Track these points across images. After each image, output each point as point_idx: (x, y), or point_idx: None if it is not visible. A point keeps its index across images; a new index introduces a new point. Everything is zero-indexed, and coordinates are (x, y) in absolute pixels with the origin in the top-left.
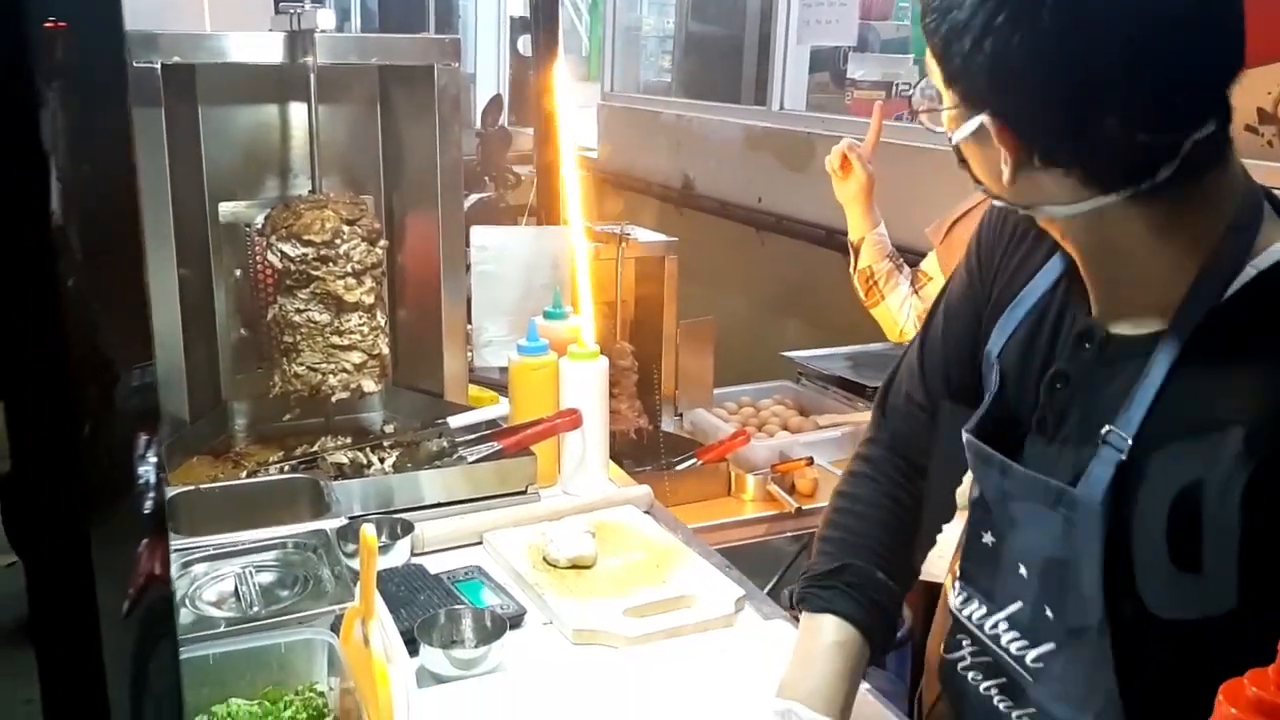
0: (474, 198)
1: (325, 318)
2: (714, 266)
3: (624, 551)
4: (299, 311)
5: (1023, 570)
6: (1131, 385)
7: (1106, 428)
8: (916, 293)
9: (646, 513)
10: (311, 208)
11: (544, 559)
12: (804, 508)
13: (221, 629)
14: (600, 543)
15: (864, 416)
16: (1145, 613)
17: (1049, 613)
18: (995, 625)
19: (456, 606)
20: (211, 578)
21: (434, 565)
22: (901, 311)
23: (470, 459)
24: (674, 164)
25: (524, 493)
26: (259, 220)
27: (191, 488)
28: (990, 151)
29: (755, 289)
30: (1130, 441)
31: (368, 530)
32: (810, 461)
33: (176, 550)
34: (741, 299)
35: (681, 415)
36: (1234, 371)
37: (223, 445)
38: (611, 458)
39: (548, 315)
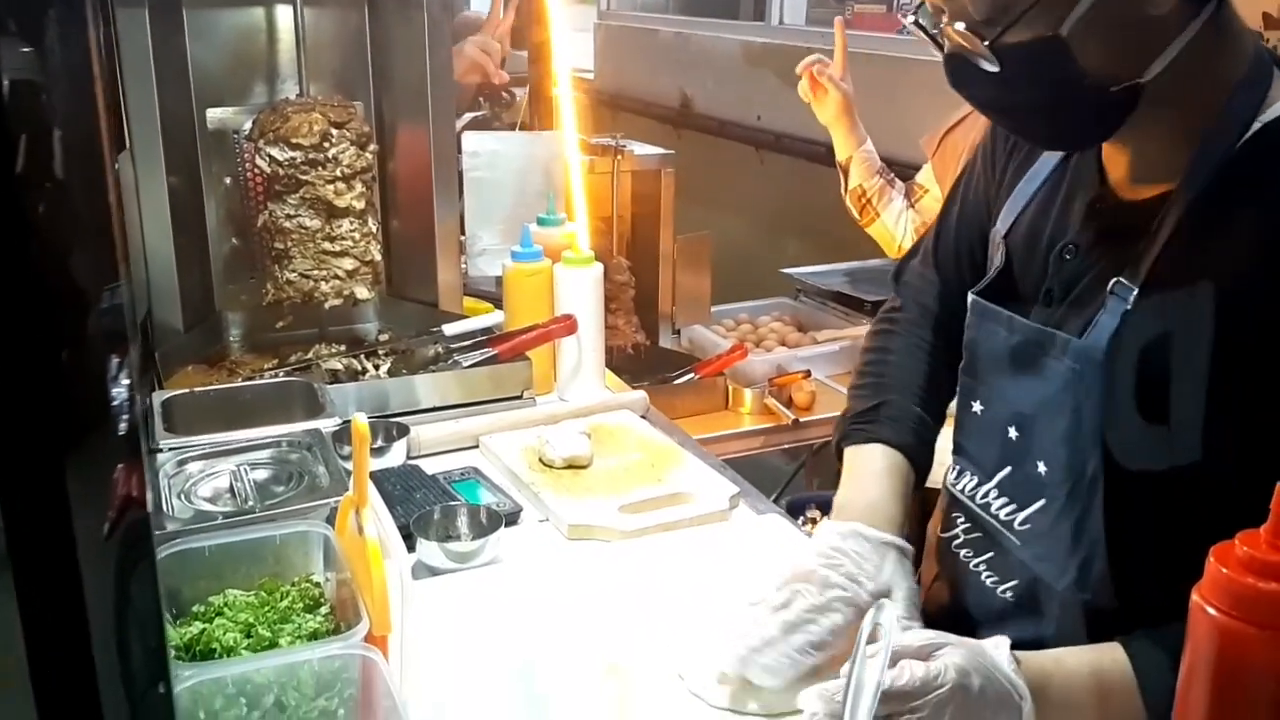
0: (467, 116)
1: (316, 223)
2: (713, 187)
3: (620, 453)
4: (289, 217)
5: (1013, 432)
6: (1139, 242)
7: (1113, 280)
8: (913, 206)
9: (643, 418)
10: (299, 111)
11: (540, 460)
12: (801, 420)
13: (218, 522)
14: (596, 444)
15: (863, 330)
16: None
17: (1042, 468)
18: (986, 494)
19: (452, 503)
20: (206, 475)
21: (430, 468)
22: (898, 227)
23: (465, 364)
24: (672, 83)
25: (519, 398)
26: (247, 125)
27: (185, 391)
28: None
29: (754, 208)
30: (1136, 290)
31: (359, 418)
32: (808, 374)
33: (170, 449)
34: (741, 218)
35: (679, 332)
36: (1231, 224)
37: (217, 355)
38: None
39: (541, 222)
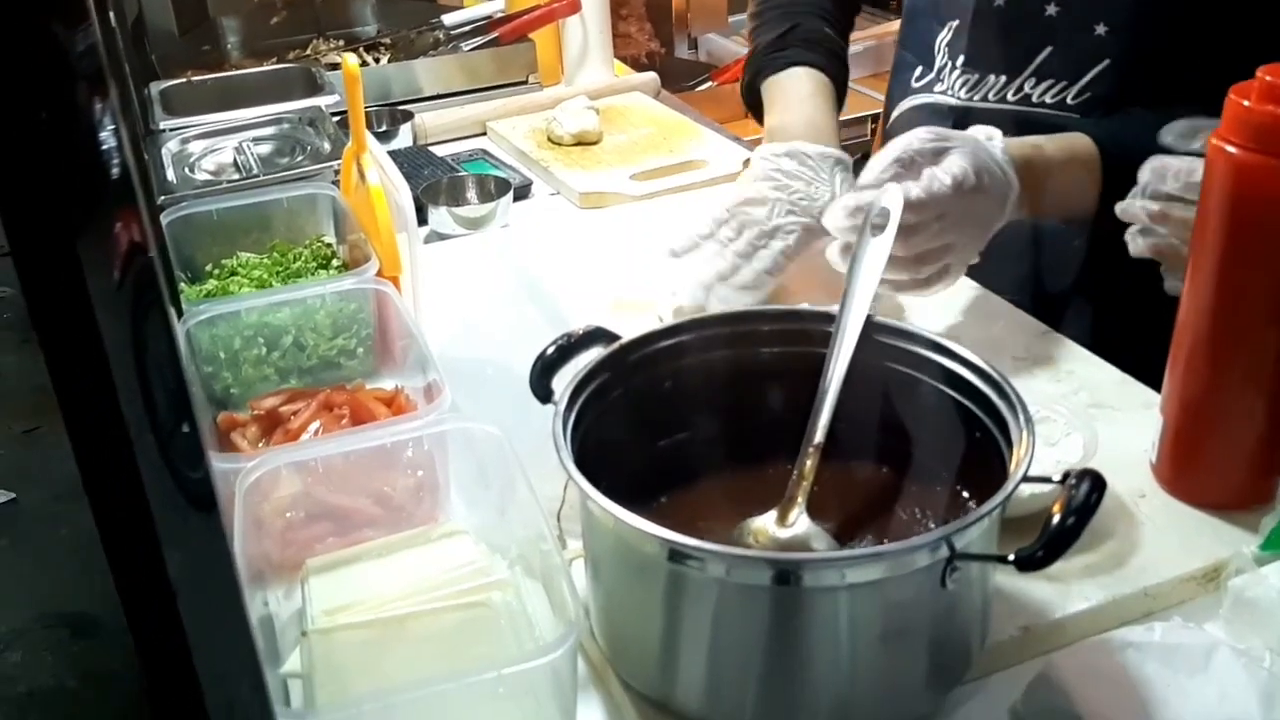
0: None
1: None
2: None
3: (631, 129)
4: None
5: (1052, 9)
6: None
7: None
8: None
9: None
10: None
11: (549, 139)
12: None
13: (223, 187)
14: (606, 123)
15: (890, 28)
16: None
17: (1101, 29)
18: (1020, 87)
19: (460, 174)
20: (209, 152)
21: (439, 153)
22: None
23: (466, 48)
24: None
25: (525, 83)
26: None
27: (183, 81)
28: None
29: None
30: None
31: (348, 58)
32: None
33: (171, 130)
34: None
35: (696, 43)
36: None
37: (215, 61)
38: None
39: None
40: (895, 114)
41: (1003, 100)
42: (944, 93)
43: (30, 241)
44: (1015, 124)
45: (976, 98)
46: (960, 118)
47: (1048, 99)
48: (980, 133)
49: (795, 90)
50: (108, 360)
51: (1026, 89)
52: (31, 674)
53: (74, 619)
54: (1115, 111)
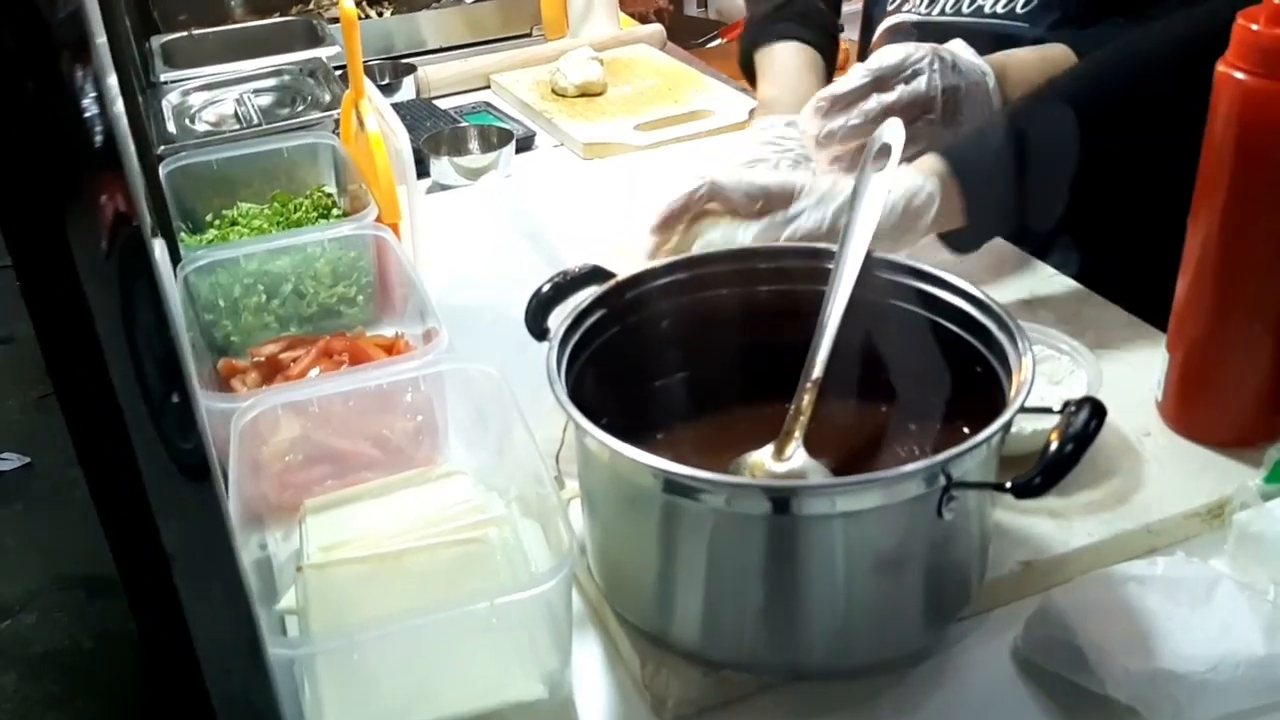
0: None
1: None
2: None
3: (636, 80)
4: None
5: None
6: None
7: None
8: None
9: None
10: None
11: (553, 90)
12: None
13: (224, 135)
14: (611, 75)
15: None
16: None
17: None
18: (973, 0)
19: (462, 125)
20: (210, 104)
21: (443, 106)
22: None
23: (469, 0)
24: None
25: (529, 35)
26: None
27: (184, 34)
28: None
29: None
30: None
31: (346, 3)
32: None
33: (172, 82)
34: None
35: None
36: None
37: (218, 16)
38: None
39: None
40: (873, 40)
41: (958, 13)
42: (910, 11)
43: (17, 212)
44: (968, 36)
45: (935, 12)
46: (921, 35)
47: (999, 9)
48: (945, 45)
49: (788, 64)
50: (96, 330)
51: (979, 0)
52: (47, 634)
53: (89, 581)
54: (1059, 19)
